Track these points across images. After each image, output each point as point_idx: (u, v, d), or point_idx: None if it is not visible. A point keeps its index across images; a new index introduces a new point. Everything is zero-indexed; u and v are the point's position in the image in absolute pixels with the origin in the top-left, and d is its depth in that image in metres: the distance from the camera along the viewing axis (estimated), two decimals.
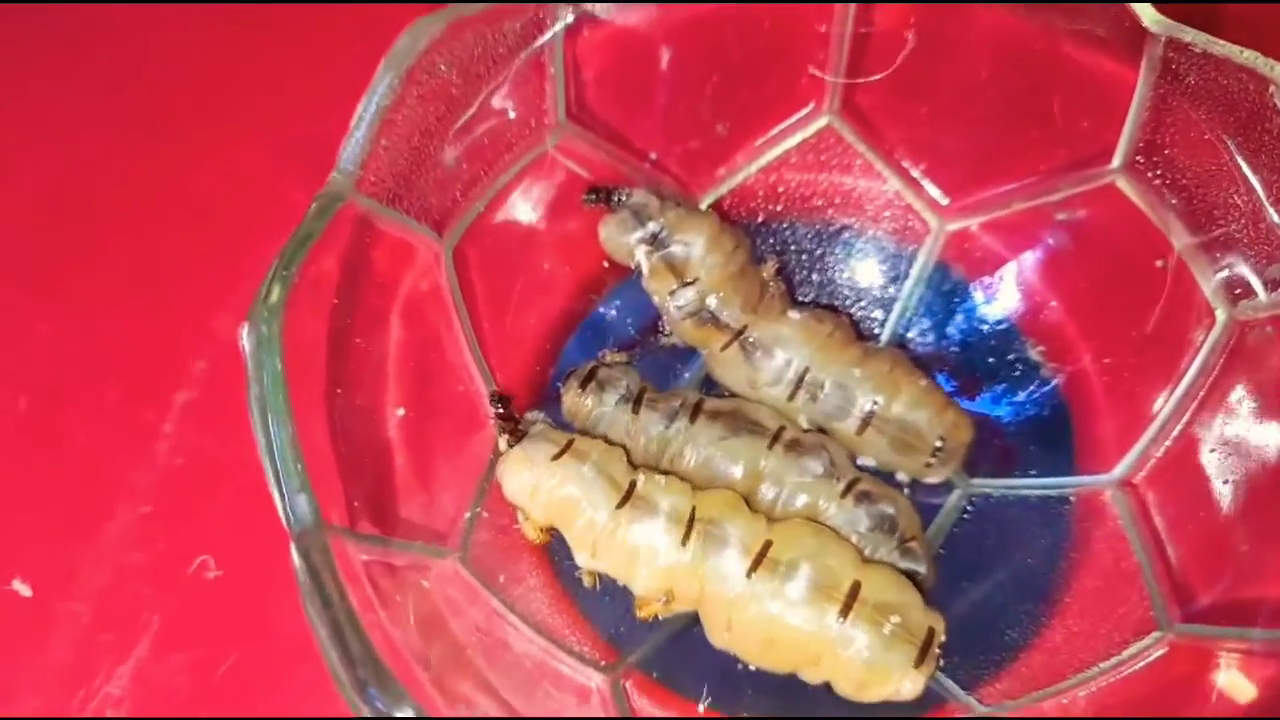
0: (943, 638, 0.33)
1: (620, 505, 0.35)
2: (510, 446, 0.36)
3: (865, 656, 0.33)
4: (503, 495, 0.36)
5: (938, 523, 0.39)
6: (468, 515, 0.36)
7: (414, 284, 0.35)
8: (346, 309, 0.32)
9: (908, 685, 0.33)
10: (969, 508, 0.39)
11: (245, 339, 0.28)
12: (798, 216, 0.42)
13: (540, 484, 0.35)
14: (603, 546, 0.35)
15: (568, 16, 0.36)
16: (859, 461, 0.38)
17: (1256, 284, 0.34)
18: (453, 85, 0.34)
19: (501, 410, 0.37)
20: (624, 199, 0.38)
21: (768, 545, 0.34)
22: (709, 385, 0.40)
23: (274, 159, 0.44)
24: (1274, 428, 0.34)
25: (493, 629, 0.34)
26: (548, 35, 0.36)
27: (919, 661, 0.33)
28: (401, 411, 0.36)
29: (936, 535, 0.38)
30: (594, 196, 0.38)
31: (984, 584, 0.38)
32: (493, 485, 0.36)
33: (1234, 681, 0.32)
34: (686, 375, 0.41)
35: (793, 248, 0.42)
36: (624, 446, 0.37)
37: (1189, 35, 0.33)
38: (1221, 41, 0.32)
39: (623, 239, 0.38)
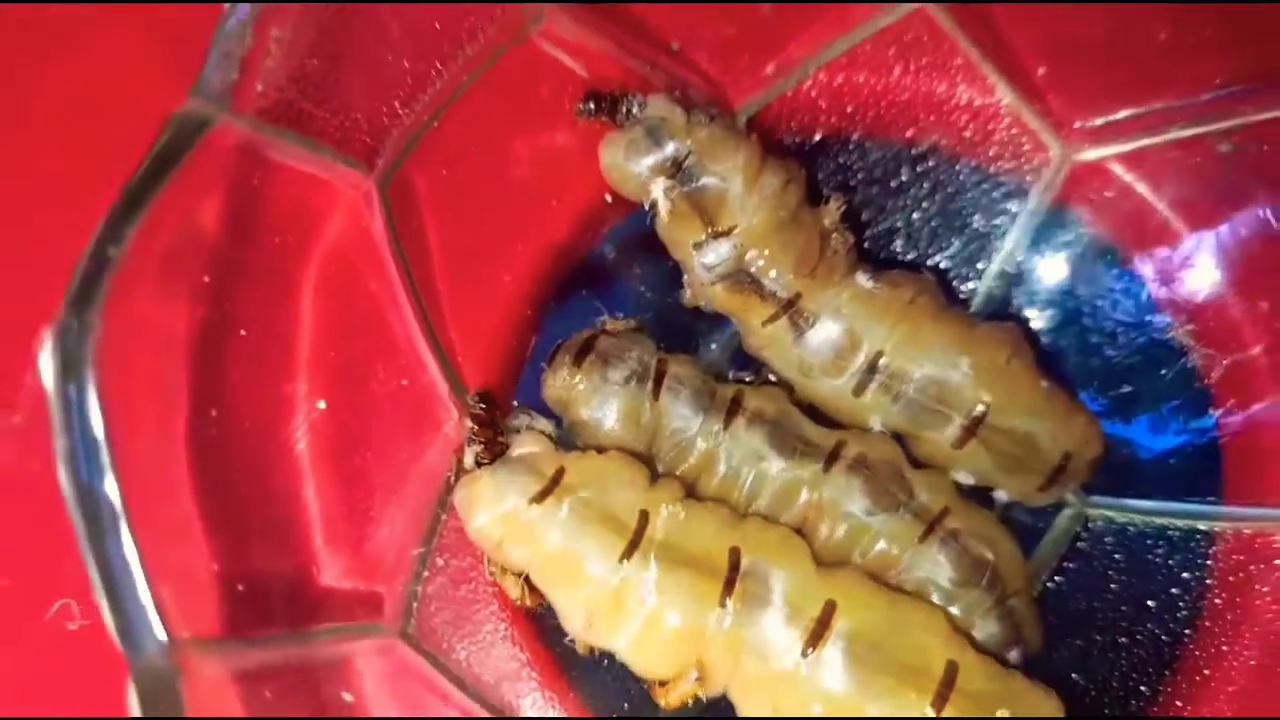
0: None
1: (628, 554, 0.25)
2: (478, 464, 0.26)
3: None
4: (460, 529, 0.26)
5: (1040, 554, 0.30)
6: (414, 559, 0.26)
7: (335, 237, 0.24)
8: (223, 288, 0.21)
9: None
10: (1083, 534, 0.30)
11: (44, 361, 0.18)
12: (869, 137, 0.31)
13: (517, 530, 0.25)
14: (604, 613, 0.25)
15: None
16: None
17: None
18: None
19: (483, 412, 0.26)
20: (635, 110, 0.28)
21: (830, 609, 0.25)
22: (743, 361, 0.30)
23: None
24: None
25: None
26: None
27: None
28: (322, 404, 0.25)
29: (1039, 570, 0.30)
30: (593, 106, 0.28)
31: (1097, 641, 0.29)
32: (449, 516, 0.26)
33: None
34: (713, 346, 0.31)
35: (860, 178, 0.31)
36: (638, 452, 0.27)
37: None
38: None
39: (633, 166, 0.28)
